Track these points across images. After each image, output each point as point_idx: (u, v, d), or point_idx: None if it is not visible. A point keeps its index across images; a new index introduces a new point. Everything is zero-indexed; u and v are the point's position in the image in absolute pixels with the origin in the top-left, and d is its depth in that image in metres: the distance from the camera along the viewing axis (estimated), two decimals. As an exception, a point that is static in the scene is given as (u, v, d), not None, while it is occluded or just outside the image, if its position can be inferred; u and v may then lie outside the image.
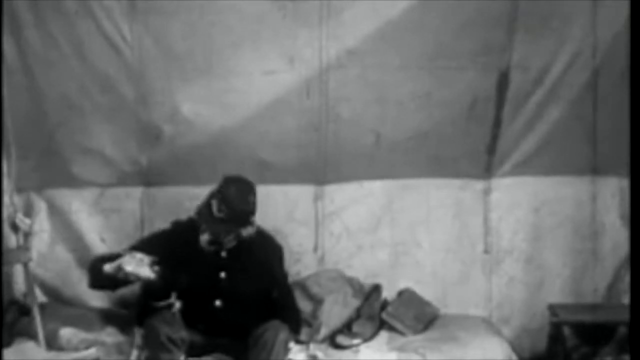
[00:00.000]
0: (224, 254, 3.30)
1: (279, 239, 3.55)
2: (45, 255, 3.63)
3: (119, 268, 3.08)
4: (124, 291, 3.43)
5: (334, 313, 3.55)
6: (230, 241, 3.26)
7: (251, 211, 3.23)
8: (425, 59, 3.51)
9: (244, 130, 3.58)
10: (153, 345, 3.09)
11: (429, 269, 3.79)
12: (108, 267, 3.12)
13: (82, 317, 3.52)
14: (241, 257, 3.30)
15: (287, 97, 3.58)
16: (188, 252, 3.27)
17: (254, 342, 3.14)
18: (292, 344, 3.20)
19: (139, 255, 3.12)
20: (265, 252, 3.40)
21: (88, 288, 3.35)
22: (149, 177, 3.71)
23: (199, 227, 3.28)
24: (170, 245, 3.25)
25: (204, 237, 3.24)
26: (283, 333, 3.14)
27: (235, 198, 3.17)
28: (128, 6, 3.42)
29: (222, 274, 3.29)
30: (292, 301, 3.51)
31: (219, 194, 3.20)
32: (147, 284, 3.19)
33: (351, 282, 3.70)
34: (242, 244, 3.30)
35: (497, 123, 3.64)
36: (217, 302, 3.27)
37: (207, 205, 3.22)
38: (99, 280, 3.21)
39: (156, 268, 3.08)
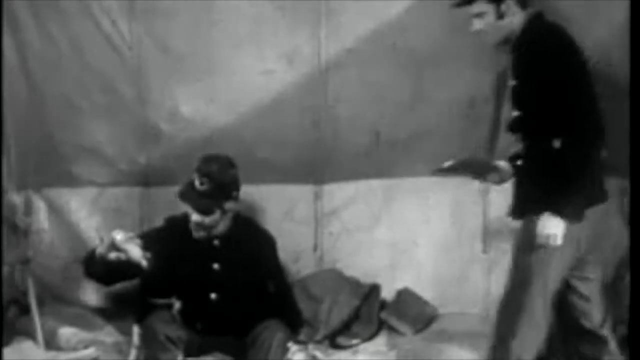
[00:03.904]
0: (216, 242, 3.31)
1: (278, 239, 3.54)
2: (45, 255, 3.64)
3: (111, 243, 3.07)
4: (119, 287, 3.45)
5: (333, 313, 3.56)
6: (216, 221, 3.25)
7: (232, 182, 3.25)
8: (423, 58, 3.51)
9: (243, 129, 3.59)
10: (151, 344, 3.10)
11: (428, 269, 3.78)
12: (101, 247, 3.12)
13: (81, 316, 3.53)
14: (233, 248, 3.31)
15: (286, 96, 3.58)
16: (182, 246, 3.28)
17: (251, 342, 3.15)
18: (290, 344, 3.20)
19: (131, 234, 3.13)
20: (257, 243, 3.40)
21: (84, 276, 3.35)
22: (148, 177, 3.72)
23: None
24: (165, 241, 3.26)
25: (192, 219, 3.24)
26: (281, 333, 3.15)
27: (215, 170, 3.21)
28: (127, 6, 3.44)
29: (215, 266, 3.30)
30: (291, 298, 3.51)
31: (199, 169, 3.23)
32: (145, 279, 3.20)
33: (350, 281, 3.70)
34: (233, 234, 3.32)
35: (495, 123, 3.63)
36: (212, 295, 3.27)
37: (189, 183, 3.24)
38: (92, 264, 3.19)
39: (148, 255, 3.08)
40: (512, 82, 2.97)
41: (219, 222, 3.26)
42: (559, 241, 2.81)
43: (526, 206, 2.92)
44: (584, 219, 2.83)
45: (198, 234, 3.27)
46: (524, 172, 2.98)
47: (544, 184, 2.84)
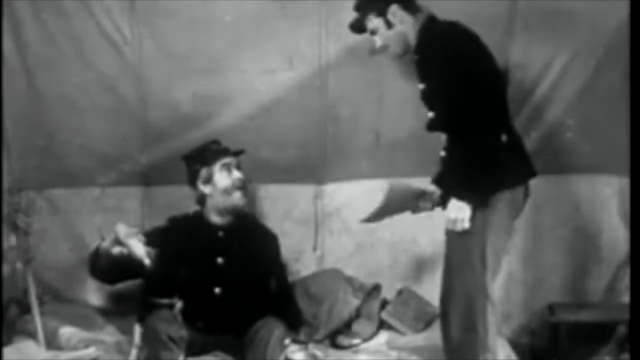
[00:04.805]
0: (221, 234, 3.35)
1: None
2: (45, 255, 3.63)
3: (114, 238, 3.08)
4: (120, 286, 3.47)
5: (333, 313, 3.55)
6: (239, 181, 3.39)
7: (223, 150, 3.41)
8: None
9: (243, 129, 3.59)
10: (153, 343, 3.10)
11: (429, 269, 3.77)
12: (104, 243, 3.14)
13: (81, 316, 3.53)
14: (237, 242, 3.35)
15: (286, 96, 3.58)
16: (185, 245, 3.30)
17: (249, 340, 3.16)
18: (288, 341, 3.20)
19: (135, 230, 3.13)
20: (260, 238, 3.45)
21: (89, 276, 3.38)
22: (149, 177, 3.72)
23: (199, 217, 3.38)
24: (168, 241, 3.27)
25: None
26: (278, 330, 3.16)
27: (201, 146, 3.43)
28: (128, 6, 3.43)
29: (220, 260, 3.32)
30: (291, 297, 3.54)
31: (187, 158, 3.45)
32: (148, 279, 3.21)
33: (350, 281, 3.69)
34: (236, 228, 3.38)
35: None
36: (217, 290, 3.29)
37: (191, 173, 3.43)
38: (97, 261, 3.21)
39: (151, 252, 3.07)
40: (420, 86, 3.03)
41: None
42: (466, 225, 2.87)
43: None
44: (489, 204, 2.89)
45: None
46: (445, 163, 3.08)
47: (454, 173, 2.94)
